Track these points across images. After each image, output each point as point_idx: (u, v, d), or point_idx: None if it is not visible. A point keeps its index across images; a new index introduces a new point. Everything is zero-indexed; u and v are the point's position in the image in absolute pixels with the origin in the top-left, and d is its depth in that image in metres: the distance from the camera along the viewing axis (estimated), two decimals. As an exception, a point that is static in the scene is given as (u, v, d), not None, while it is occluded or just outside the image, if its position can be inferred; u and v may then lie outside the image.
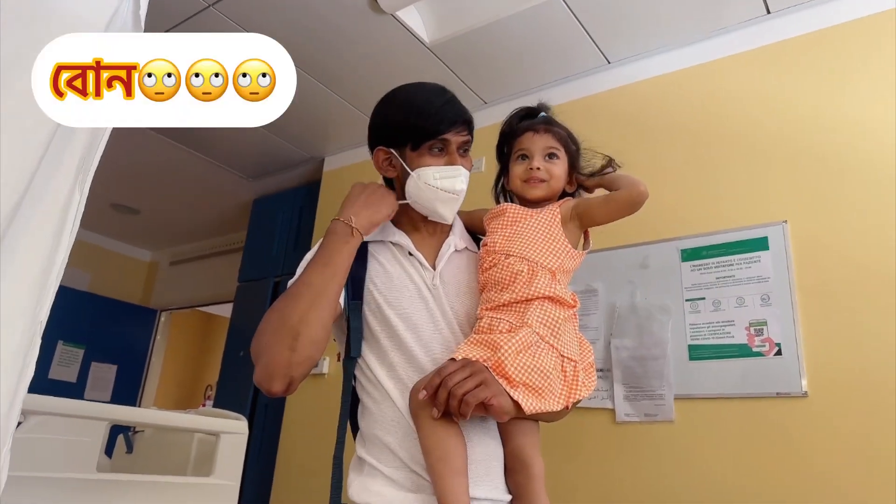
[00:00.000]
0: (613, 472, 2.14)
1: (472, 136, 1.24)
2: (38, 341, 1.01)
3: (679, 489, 2.01)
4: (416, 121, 1.19)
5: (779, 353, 1.96)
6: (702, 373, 2.07)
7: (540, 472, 1.09)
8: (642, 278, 2.27)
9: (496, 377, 1.00)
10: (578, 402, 1.12)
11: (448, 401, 0.97)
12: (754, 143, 2.21)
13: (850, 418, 1.81)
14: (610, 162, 1.22)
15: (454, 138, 1.19)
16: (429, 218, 1.24)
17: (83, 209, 1.09)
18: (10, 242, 0.98)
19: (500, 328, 1.07)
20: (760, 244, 2.08)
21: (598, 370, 2.26)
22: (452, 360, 1.03)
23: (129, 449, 2.37)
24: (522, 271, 1.11)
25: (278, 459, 3.13)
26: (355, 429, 1.19)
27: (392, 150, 1.23)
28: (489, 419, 1.09)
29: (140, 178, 4.04)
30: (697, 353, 2.10)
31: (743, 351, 2.02)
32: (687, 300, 2.17)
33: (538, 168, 1.19)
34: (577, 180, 1.25)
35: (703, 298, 2.14)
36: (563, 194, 1.24)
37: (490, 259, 1.16)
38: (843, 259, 1.95)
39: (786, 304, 1.99)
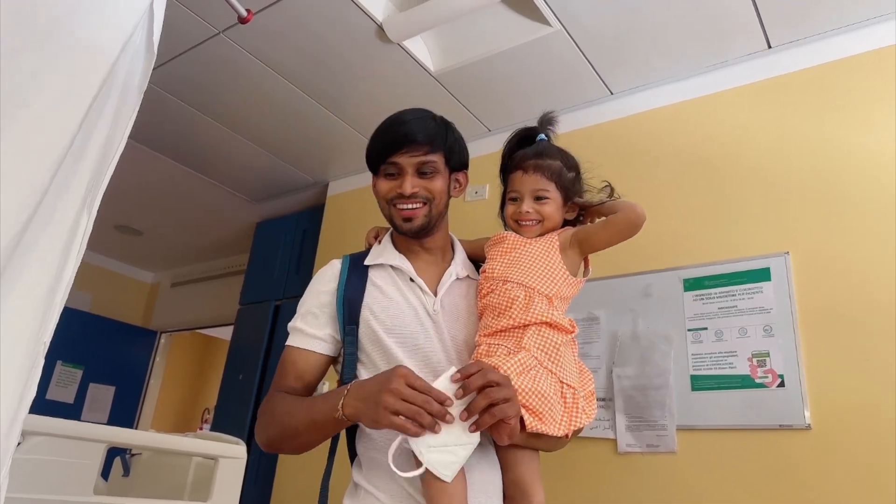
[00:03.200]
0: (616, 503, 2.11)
1: (445, 155, 1.21)
2: (41, 362, 1.01)
3: (681, 522, 1.98)
4: (373, 145, 1.23)
5: (782, 384, 1.95)
6: (704, 403, 2.05)
7: (540, 501, 1.08)
8: (644, 307, 2.27)
9: None
10: (580, 430, 1.11)
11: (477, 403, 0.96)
12: (756, 174, 2.22)
13: (854, 451, 1.79)
14: (610, 192, 1.22)
15: (404, 160, 1.18)
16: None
17: (90, 231, 1.10)
18: (18, 262, 0.99)
19: (497, 353, 1.07)
20: (763, 275, 2.09)
21: (599, 399, 2.24)
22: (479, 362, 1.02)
23: (126, 472, 2.34)
24: (519, 297, 1.11)
25: (276, 484, 3.09)
26: (353, 454, 1.18)
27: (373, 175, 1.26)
28: (488, 446, 1.08)
29: (144, 200, 4.06)
30: (700, 383, 2.09)
31: (745, 382, 2.01)
32: (689, 330, 2.16)
33: (527, 212, 1.19)
34: (577, 205, 1.24)
35: (706, 328, 2.13)
36: (565, 222, 1.24)
37: (488, 285, 1.16)
38: (846, 290, 1.95)
39: (788, 335, 1.98)
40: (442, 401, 0.96)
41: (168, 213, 4.31)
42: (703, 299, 2.17)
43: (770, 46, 2.32)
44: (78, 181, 1.09)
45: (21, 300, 0.99)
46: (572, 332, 1.13)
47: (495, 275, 1.16)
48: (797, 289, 2.02)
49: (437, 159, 1.20)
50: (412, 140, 1.18)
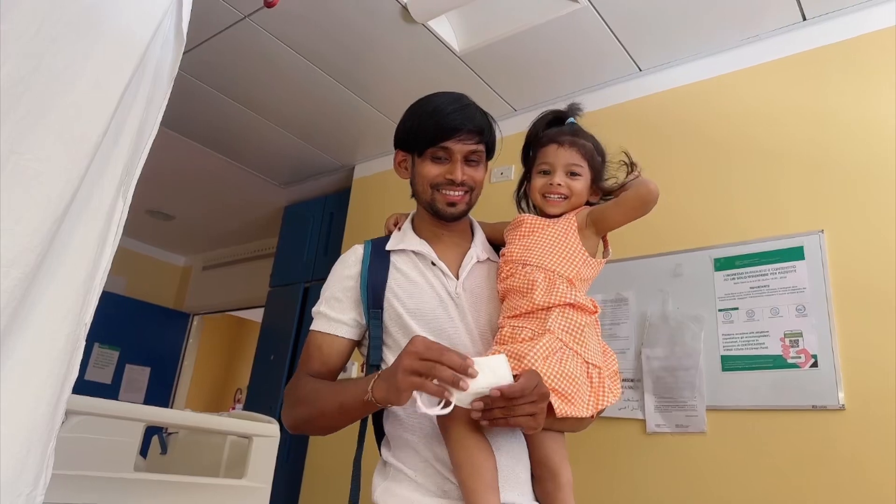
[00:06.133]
0: (644, 484, 2.11)
1: (486, 146, 1.23)
2: (83, 344, 1.04)
3: (711, 501, 1.97)
4: (421, 126, 1.21)
5: (815, 364, 1.92)
6: (735, 384, 2.03)
7: (568, 480, 1.09)
8: (674, 287, 2.25)
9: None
10: (603, 410, 1.11)
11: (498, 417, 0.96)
12: (790, 151, 2.17)
13: (889, 432, 1.76)
14: (631, 166, 1.19)
15: (457, 146, 1.19)
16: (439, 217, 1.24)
17: (126, 217, 1.12)
18: (58, 248, 1.02)
19: (521, 336, 1.07)
20: (796, 254, 2.04)
21: (628, 380, 2.24)
22: (517, 376, 0.98)
23: (164, 450, 2.41)
24: (539, 279, 1.11)
25: (307, 461, 3.16)
26: (381, 434, 1.20)
27: (407, 154, 1.26)
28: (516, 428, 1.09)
29: (175, 185, 4.13)
30: (730, 363, 2.06)
31: (777, 362, 1.98)
32: (720, 310, 2.13)
33: (559, 184, 1.17)
34: (601, 190, 1.23)
35: (737, 308, 2.10)
36: (587, 204, 1.23)
37: (508, 269, 1.17)
38: (881, 268, 1.90)
39: (822, 315, 1.95)
40: (460, 361, 0.93)
41: (199, 198, 4.38)
42: (734, 279, 2.14)
43: (805, 18, 2.25)
44: (113, 168, 1.11)
45: (62, 284, 1.02)
46: (595, 312, 1.13)
47: (514, 258, 1.16)
48: (832, 268, 1.98)
49: (482, 149, 1.23)
50: (468, 128, 1.19)
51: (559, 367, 1.03)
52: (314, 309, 1.26)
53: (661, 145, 2.43)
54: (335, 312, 1.22)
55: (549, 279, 1.11)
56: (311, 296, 3.71)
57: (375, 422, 1.22)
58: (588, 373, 1.08)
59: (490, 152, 1.27)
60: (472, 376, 0.92)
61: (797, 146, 2.16)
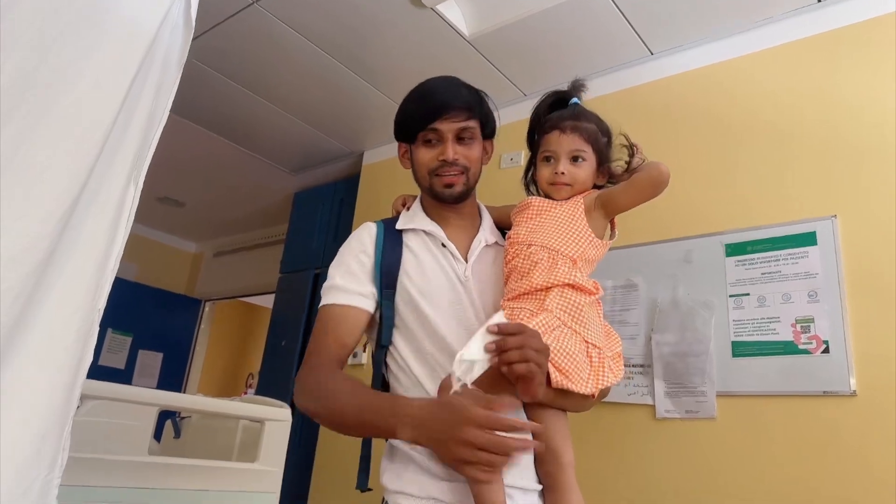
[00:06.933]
0: (653, 469, 2.12)
1: (480, 122, 1.22)
2: (97, 329, 1.06)
3: (720, 487, 1.98)
4: (410, 113, 1.21)
5: (826, 350, 1.91)
6: (745, 370, 2.03)
7: (570, 461, 1.08)
8: (685, 273, 2.24)
9: None
10: (607, 392, 1.11)
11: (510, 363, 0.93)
12: (803, 135, 2.14)
13: (901, 419, 1.76)
14: (631, 148, 1.17)
15: (445, 126, 1.18)
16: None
17: (137, 203, 1.13)
18: (71, 236, 1.03)
19: (520, 317, 1.06)
20: (808, 239, 2.03)
21: (638, 366, 2.24)
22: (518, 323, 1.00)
23: (177, 434, 2.45)
24: (542, 259, 1.10)
25: (318, 445, 3.20)
26: None
27: (407, 145, 1.26)
28: (519, 408, 1.09)
29: (185, 172, 4.14)
30: (741, 349, 2.06)
31: (788, 348, 1.97)
32: (731, 296, 2.12)
33: (562, 173, 1.17)
34: (608, 172, 1.21)
35: (748, 294, 2.09)
36: (594, 187, 1.21)
37: (513, 250, 1.16)
38: (895, 254, 1.88)
39: (834, 301, 1.93)
40: (516, 428, 0.90)
41: (209, 185, 4.39)
42: (745, 265, 2.12)
43: (819, 0, 2.21)
44: (123, 156, 1.12)
45: (76, 270, 1.03)
46: (596, 293, 1.12)
47: (520, 239, 1.16)
48: (845, 253, 1.96)
49: (475, 125, 1.21)
50: (454, 106, 1.18)
51: (557, 343, 1.02)
52: (326, 285, 1.21)
53: (672, 129, 2.41)
54: (353, 285, 1.18)
55: (552, 259, 1.10)
56: (321, 282, 3.70)
57: None
58: (588, 352, 1.07)
59: (486, 128, 1.24)
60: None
61: (810, 130, 2.13)
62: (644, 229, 2.29)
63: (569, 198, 1.18)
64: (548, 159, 1.19)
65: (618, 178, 1.21)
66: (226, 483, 1.95)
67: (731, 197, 2.22)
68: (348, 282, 1.19)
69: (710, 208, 2.24)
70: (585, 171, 1.18)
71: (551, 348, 1.01)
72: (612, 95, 2.61)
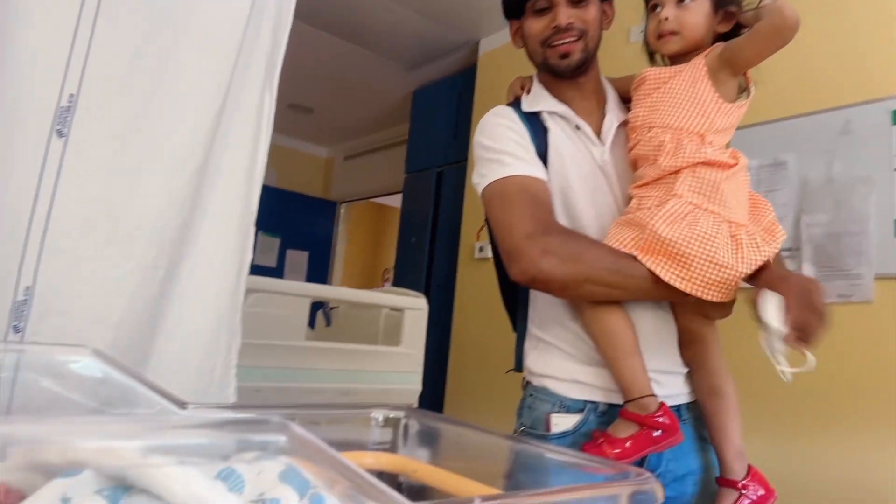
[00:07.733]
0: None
1: None
2: (252, 230, 1.17)
3: (874, 373, 1.87)
4: None
5: None
6: (911, 250, 1.84)
7: (715, 339, 1.07)
8: (842, 147, 2.01)
9: (667, 259, 0.95)
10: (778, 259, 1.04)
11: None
12: None
13: None
14: None
15: None
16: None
17: (274, 108, 1.20)
18: (220, 144, 1.12)
19: (648, 205, 1.00)
20: None
21: (786, 249, 2.10)
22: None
23: (328, 322, 2.70)
24: (665, 142, 1.01)
25: (453, 332, 3.40)
26: (526, 311, 1.19)
27: (518, 21, 1.16)
28: (669, 320, 1.09)
29: (309, 77, 4.25)
30: (907, 228, 1.86)
31: (967, 224, 1.75)
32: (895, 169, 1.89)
33: (666, 19, 1.02)
34: (732, 15, 1.04)
35: (919, 166, 1.86)
36: (720, 37, 1.05)
37: (634, 136, 1.08)
38: None
39: None
40: None
41: (333, 89, 4.50)
42: (917, 132, 1.87)
43: None
44: (256, 64, 1.18)
45: (229, 177, 1.13)
46: (734, 164, 1.00)
47: (639, 123, 1.06)
48: None
49: None
50: None
51: (689, 230, 0.94)
52: (490, 158, 1.09)
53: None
54: (528, 155, 1.08)
55: (677, 139, 1.00)
56: (444, 180, 3.78)
57: (510, 296, 1.23)
58: (732, 232, 0.96)
59: None
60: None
61: None
62: (794, 99, 2.06)
63: (682, 52, 1.05)
64: (654, 8, 1.05)
65: (749, 24, 1.03)
66: (376, 364, 2.19)
67: (905, 54, 1.92)
68: (517, 157, 1.08)
69: (873, 69, 1.94)
70: (695, 14, 1.02)
71: (684, 237, 0.93)
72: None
